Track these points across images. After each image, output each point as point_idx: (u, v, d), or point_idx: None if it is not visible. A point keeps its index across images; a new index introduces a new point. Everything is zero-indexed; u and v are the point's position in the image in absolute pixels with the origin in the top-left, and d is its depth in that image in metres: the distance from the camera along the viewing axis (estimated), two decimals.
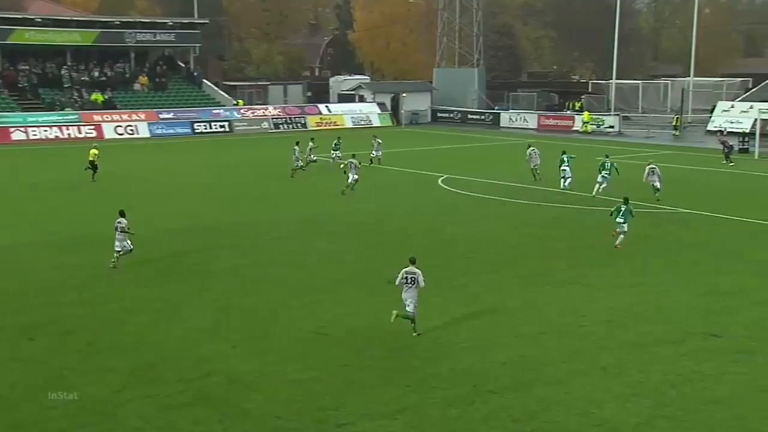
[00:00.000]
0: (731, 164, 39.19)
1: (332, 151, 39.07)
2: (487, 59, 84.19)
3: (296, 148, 37.00)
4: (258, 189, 34.06)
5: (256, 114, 64.40)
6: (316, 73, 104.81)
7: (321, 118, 66.26)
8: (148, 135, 57.52)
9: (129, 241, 20.50)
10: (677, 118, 58.77)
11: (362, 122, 67.38)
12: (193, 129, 60.37)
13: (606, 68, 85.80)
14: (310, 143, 38.03)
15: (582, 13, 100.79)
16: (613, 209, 23.23)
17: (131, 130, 57.99)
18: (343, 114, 67.41)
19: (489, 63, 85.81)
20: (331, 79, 79.77)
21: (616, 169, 32.06)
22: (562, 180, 32.64)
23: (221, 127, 61.63)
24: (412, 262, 15.82)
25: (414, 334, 15.57)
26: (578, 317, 16.78)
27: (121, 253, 20.41)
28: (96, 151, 36.38)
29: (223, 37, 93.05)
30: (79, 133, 56.10)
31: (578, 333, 15.86)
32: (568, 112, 67.42)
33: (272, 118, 64.33)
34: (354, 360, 14.48)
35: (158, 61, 67.14)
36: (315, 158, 37.95)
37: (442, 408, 12.52)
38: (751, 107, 55.70)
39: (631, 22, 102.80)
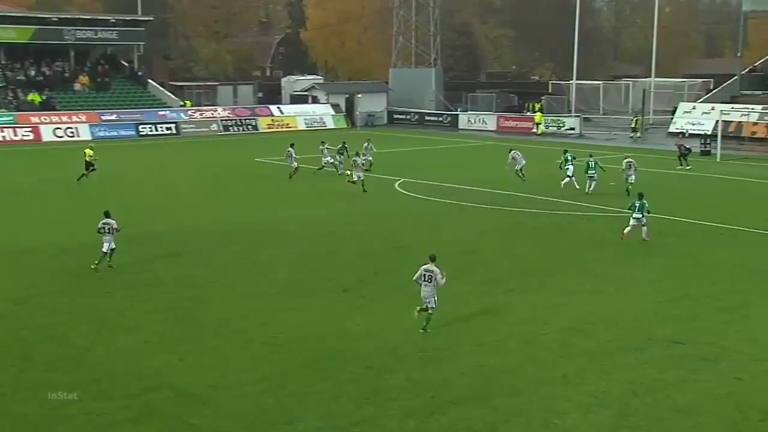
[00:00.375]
0: (688, 167, 39.82)
1: (337, 155, 38.78)
2: (445, 59, 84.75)
3: (291, 150, 37.50)
4: (209, 194, 33.79)
5: (204, 116, 63.92)
6: (268, 73, 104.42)
7: (273, 120, 66.01)
8: (89, 138, 56.65)
9: (113, 242, 20.93)
10: (636, 119, 59.70)
11: (315, 124, 67.29)
12: (138, 131, 59.70)
13: (566, 68, 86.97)
14: (321, 146, 38.99)
15: (541, 11, 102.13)
16: (629, 205, 24.68)
17: (71, 132, 57.12)
18: (295, 116, 67.25)
19: (447, 63, 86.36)
20: (283, 80, 79.53)
21: (601, 167, 32.85)
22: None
23: (168, 129, 61.03)
24: (432, 259, 16.57)
25: (421, 330, 16.29)
26: (539, 325, 16.96)
27: (107, 253, 20.81)
28: (91, 152, 36.76)
29: (169, 36, 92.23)
30: (15, 135, 55.13)
31: (539, 341, 16.02)
32: (528, 113, 68.13)
33: (221, 120, 63.92)
34: (308, 371, 14.44)
35: (100, 60, 66.26)
36: (329, 161, 38.48)
37: (399, 420, 12.55)
38: (713, 108, 56.88)
39: (592, 22, 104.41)
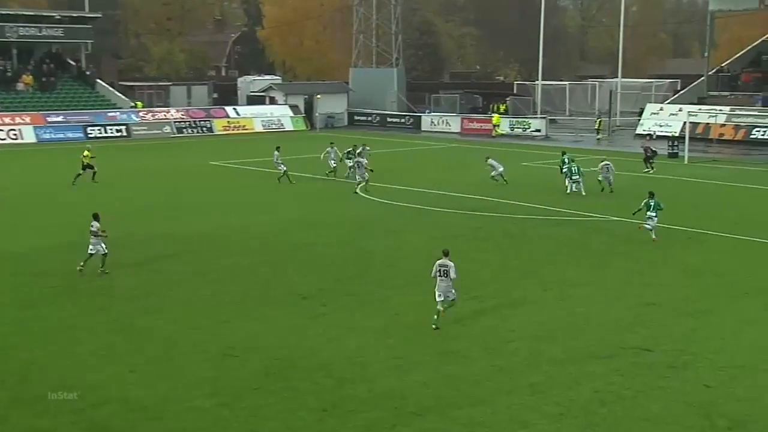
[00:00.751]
0: (652, 170, 40.26)
1: (346, 159, 38.56)
2: (407, 58, 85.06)
3: (277, 153, 37.69)
4: (162, 200, 33.48)
5: (156, 117, 63.39)
6: (223, 73, 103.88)
7: (228, 122, 65.70)
8: (34, 140, 55.91)
9: (104, 245, 21.06)
10: (600, 121, 60.35)
11: (273, 126, 67.10)
12: (87, 133, 59.00)
13: (532, 68, 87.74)
14: (329, 148, 39.12)
15: (506, 10, 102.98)
16: (641, 206, 25.31)
17: (14, 134, 56.27)
18: (252, 117, 67.01)
19: (409, 62, 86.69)
20: (239, 80, 79.19)
21: (579, 170, 33.82)
22: (571, 183, 33.62)
23: (118, 131, 60.42)
24: (446, 254, 17.37)
25: (433, 326, 16.97)
26: (505, 332, 17.05)
27: (93, 255, 20.97)
28: (88, 153, 37.24)
29: (119, 33, 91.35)
30: None
31: (505, 349, 16.12)
32: (493, 114, 68.62)
33: (175, 122, 63.45)
34: (265, 383, 14.36)
35: (44, 59, 65.29)
36: (335, 164, 38.56)
37: None
38: (680, 110, 57.83)
39: (557, 20, 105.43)
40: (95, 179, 36.99)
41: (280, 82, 77.54)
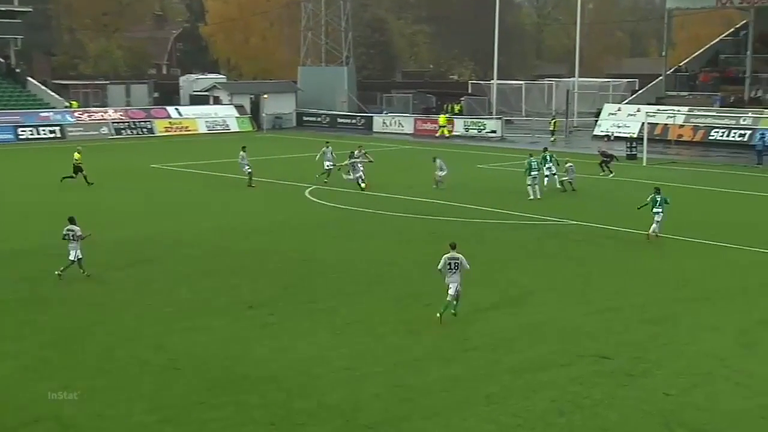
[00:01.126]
0: (611, 174, 40.65)
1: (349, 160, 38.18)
2: (358, 57, 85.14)
3: (243, 154, 37.32)
4: (101, 204, 33.00)
5: (93, 117, 62.55)
6: (164, 71, 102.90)
7: (170, 123, 65.12)
8: None
9: (80, 249, 21.21)
10: (554, 122, 60.96)
11: (218, 127, 66.67)
12: (17, 135, 58.04)
13: (487, 67, 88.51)
14: (325, 148, 38.71)
15: (459, 7, 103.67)
16: (647, 201, 26.45)
17: None
18: (195, 118, 66.50)
19: (360, 61, 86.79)
20: (182, 78, 78.53)
21: (552, 167, 34.77)
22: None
23: (51, 132, 59.49)
24: (453, 247, 18.11)
25: (453, 312, 17.96)
26: (460, 341, 17.13)
27: (74, 262, 21.10)
28: (79, 155, 37.08)
29: (51, 29, 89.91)
30: None
31: (460, 358, 16.19)
32: (448, 115, 69.01)
33: (113, 123, 62.68)
34: (209, 396, 14.23)
35: None
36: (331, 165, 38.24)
37: None
38: (638, 110, 58.71)
39: (512, 18, 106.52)
40: (89, 181, 36.97)
41: (224, 81, 77.09)
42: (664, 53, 67.11)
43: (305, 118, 72.89)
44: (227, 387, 14.64)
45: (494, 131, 62.66)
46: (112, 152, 52.50)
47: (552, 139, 59.12)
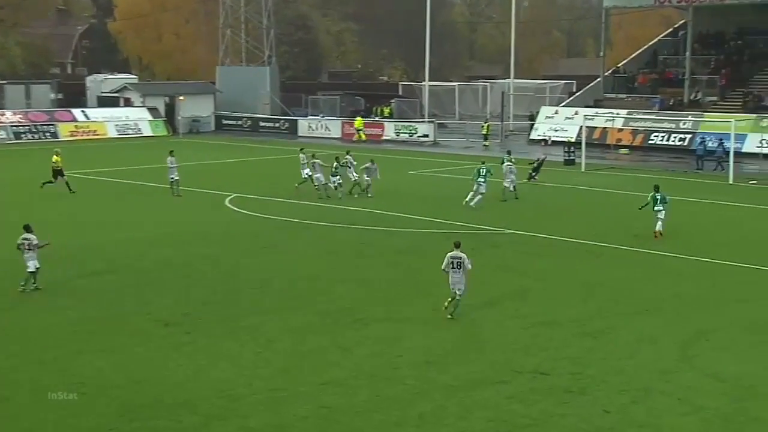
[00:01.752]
0: (533, 181, 40.92)
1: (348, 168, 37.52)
2: (281, 56, 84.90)
3: (171, 158, 36.64)
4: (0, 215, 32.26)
5: None
6: (69, 71, 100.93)
7: (76, 126, 64.04)
8: None
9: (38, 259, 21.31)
10: (487, 125, 61.56)
11: (129, 131, 65.81)
12: None
13: (418, 68, 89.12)
14: (348, 157, 37.91)
15: (388, 3, 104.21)
16: (648, 200, 28.44)
17: None
18: (104, 121, 65.53)
19: (283, 60, 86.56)
20: (88, 78, 77.22)
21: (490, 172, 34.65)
22: (472, 194, 33.86)
23: None
24: (457, 246, 19.27)
25: (448, 316, 19.24)
26: (392, 358, 17.21)
27: (34, 273, 21.14)
28: (58, 158, 36.95)
29: None
30: None
31: (392, 377, 16.26)
32: (377, 118, 69.27)
33: (11, 126, 61.38)
34: (120, 423, 14.03)
35: None
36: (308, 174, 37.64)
37: None
38: (576, 113, 59.77)
39: (445, 16, 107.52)
40: (72, 189, 36.77)
41: (136, 81, 76.09)
42: (602, 54, 68.49)
43: (225, 122, 72.38)
44: (139, 413, 14.44)
45: (426, 135, 63.10)
46: (11, 158, 51.35)
47: (485, 143, 59.69)
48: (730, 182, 41.71)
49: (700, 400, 15.20)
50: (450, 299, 19.38)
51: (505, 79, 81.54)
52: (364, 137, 62.78)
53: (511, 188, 36.08)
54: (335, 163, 36.22)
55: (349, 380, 16.03)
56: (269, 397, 15.19)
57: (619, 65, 67.29)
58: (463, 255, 19.12)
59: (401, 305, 20.95)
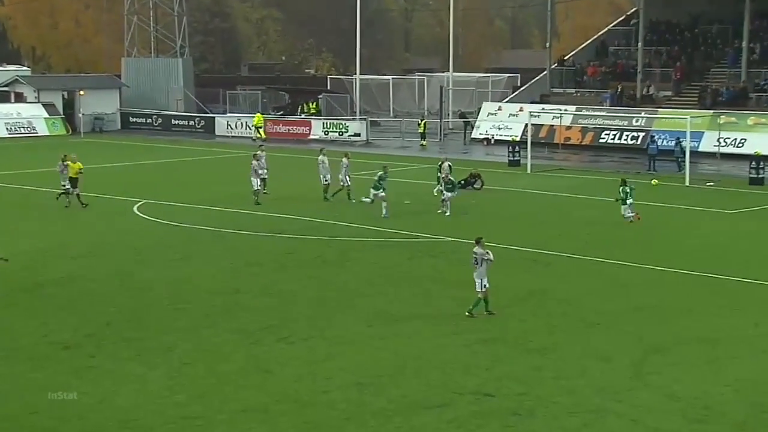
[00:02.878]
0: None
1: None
2: (195, 46, 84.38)
3: (61, 164, 35.76)
4: None
5: None
6: None
7: None
8: None
9: None
10: (424, 123, 61.76)
11: (22, 130, 64.76)
12: None
13: (348, 60, 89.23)
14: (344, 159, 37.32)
15: None
16: (621, 195, 31.56)
17: None
18: None
19: (198, 51, 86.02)
20: None
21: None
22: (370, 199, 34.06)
23: None
24: (477, 241, 21.14)
25: (486, 311, 21.03)
26: (321, 381, 17.17)
27: None
28: (76, 165, 35.02)
29: None
30: None
31: (320, 401, 16.22)
32: (303, 115, 69.14)
33: None
34: None
35: None
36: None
37: None
38: (521, 109, 60.38)
39: (377, 2, 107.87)
40: (82, 201, 34.98)
41: (28, 74, 74.81)
42: (548, 45, 69.30)
43: (132, 120, 71.60)
44: None
45: (358, 134, 63.16)
46: None
47: (422, 143, 59.91)
48: (686, 184, 42.47)
49: (654, 421, 15.44)
50: (474, 303, 21.10)
51: (443, 72, 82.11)
52: (263, 135, 62.47)
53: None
54: (381, 173, 35.11)
55: (273, 406, 15.95)
56: (183, 427, 15.05)
57: (566, 57, 68.06)
58: (483, 251, 20.96)
59: (329, 322, 20.91)
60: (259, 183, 36.45)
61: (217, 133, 67.57)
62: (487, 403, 16.17)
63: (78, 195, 35.03)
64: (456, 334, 20.05)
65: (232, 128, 67.40)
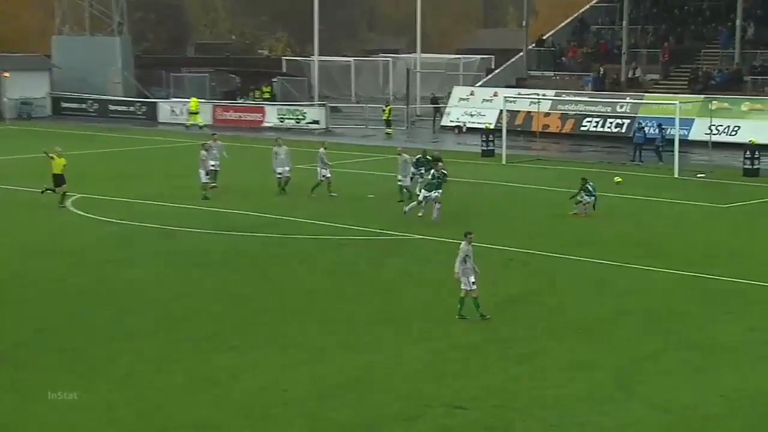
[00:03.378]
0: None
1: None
2: (135, 24, 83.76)
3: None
4: None
5: None
6: None
7: None
8: None
9: None
10: (389, 109, 61.59)
11: None
12: None
13: (305, 40, 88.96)
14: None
15: None
16: (577, 191, 32.25)
17: None
18: None
19: (138, 29, 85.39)
20: None
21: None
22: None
23: None
24: (465, 236, 21.64)
25: (459, 316, 21.44)
26: (277, 393, 17.13)
27: None
28: (60, 159, 34.18)
29: None
30: None
31: (278, 416, 16.20)
32: (255, 100, 68.86)
33: None
34: None
35: None
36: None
37: None
38: (495, 94, 60.45)
39: None
40: (63, 202, 34.21)
41: None
42: (524, 23, 69.47)
43: (64, 105, 70.88)
44: None
45: (317, 122, 62.98)
46: None
47: (387, 131, 59.86)
48: (676, 176, 42.73)
49: None
50: (460, 303, 21.42)
51: (410, 53, 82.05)
52: (200, 122, 62.22)
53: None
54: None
55: (225, 421, 15.91)
56: None
57: (544, 37, 68.24)
58: (469, 247, 21.40)
59: (286, 328, 20.87)
60: (207, 175, 36.30)
61: (159, 120, 67.07)
62: (460, 417, 16.21)
63: (64, 194, 34.39)
64: (426, 341, 20.07)
65: (176, 114, 66.96)
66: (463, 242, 21.50)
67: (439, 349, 19.58)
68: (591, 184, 32.76)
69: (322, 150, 36.85)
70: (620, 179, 37.45)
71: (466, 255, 21.32)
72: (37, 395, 16.87)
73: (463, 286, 21.27)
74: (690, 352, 19.68)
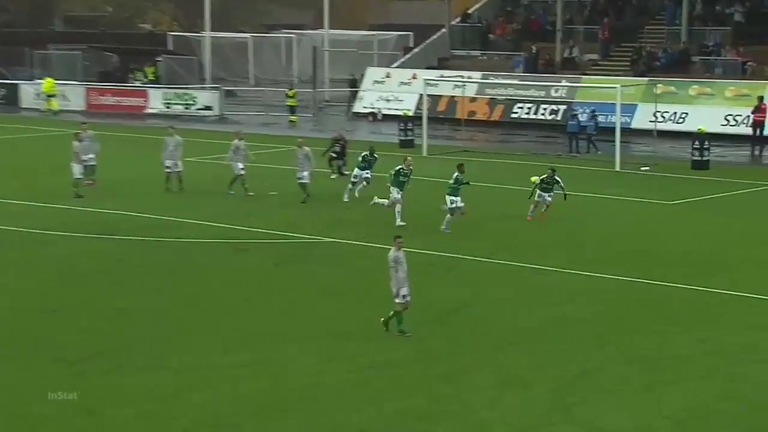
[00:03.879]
0: (335, 176, 40.74)
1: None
2: None
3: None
4: None
5: None
6: None
7: None
8: None
9: None
10: (294, 92, 61.32)
11: None
12: None
13: (195, 14, 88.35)
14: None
15: None
16: (451, 183, 31.34)
17: None
18: None
19: None
20: None
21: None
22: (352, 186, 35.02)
23: None
24: (394, 239, 21.51)
25: (400, 332, 21.35)
26: (165, 422, 17.08)
27: None
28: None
29: None
30: None
31: None
32: (137, 83, 68.34)
33: None
34: None
35: None
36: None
37: None
38: (414, 77, 60.64)
39: None
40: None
41: None
42: None
43: None
44: None
45: (209, 107, 62.73)
46: None
47: (292, 118, 59.73)
48: (617, 169, 43.24)
49: None
50: (391, 315, 21.40)
51: (317, 29, 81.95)
52: (55, 106, 61.67)
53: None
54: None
55: None
56: None
57: (469, 11, 68.58)
58: (400, 254, 21.23)
59: (177, 346, 20.78)
60: (81, 170, 35.96)
61: (22, 105, 66.32)
62: None
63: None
64: (340, 360, 20.11)
65: (42, 98, 66.12)
66: (392, 248, 21.44)
67: (354, 369, 19.63)
68: (460, 175, 31.63)
69: (236, 141, 36.55)
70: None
71: (397, 262, 21.27)
72: None
73: (397, 300, 21.29)
74: (633, 366, 19.96)
